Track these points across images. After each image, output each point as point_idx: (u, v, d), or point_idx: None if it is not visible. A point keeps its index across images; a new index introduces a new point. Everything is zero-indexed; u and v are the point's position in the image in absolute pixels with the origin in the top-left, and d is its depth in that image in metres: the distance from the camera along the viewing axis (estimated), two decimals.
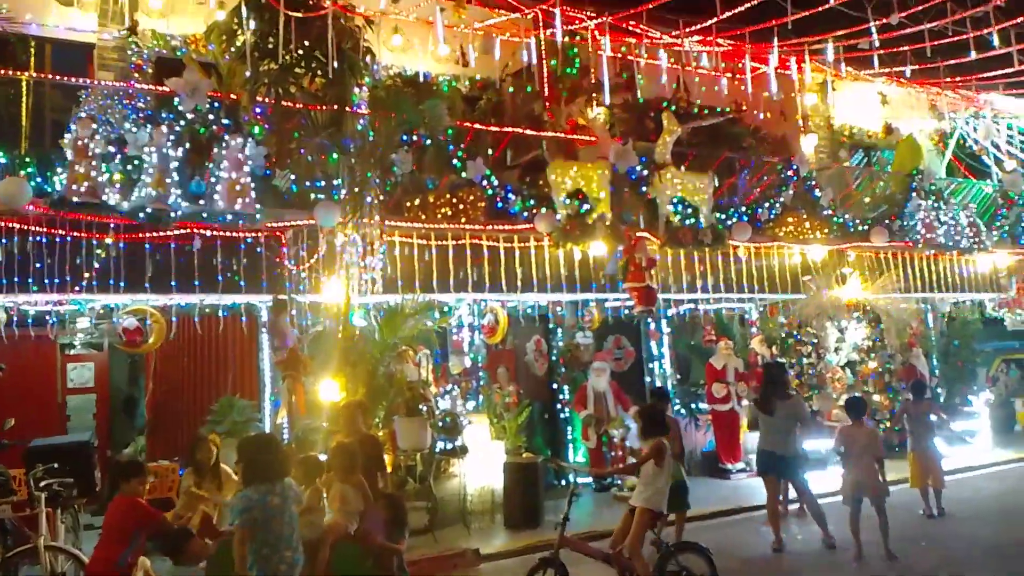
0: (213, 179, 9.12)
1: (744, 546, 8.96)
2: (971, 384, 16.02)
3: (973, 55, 10.05)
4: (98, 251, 8.74)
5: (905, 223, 14.52)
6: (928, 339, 15.90)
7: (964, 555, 8.01)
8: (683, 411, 13.25)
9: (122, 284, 8.83)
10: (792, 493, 9.66)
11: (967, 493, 11.20)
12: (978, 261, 15.90)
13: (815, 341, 13.19)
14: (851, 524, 8.20)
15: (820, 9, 9.45)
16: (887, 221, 14.33)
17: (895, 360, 13.93)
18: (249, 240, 9.42)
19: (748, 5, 9.65)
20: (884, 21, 9.54)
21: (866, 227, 14.06)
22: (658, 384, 13.28)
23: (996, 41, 9.57)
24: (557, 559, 6.60)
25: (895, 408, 13.45)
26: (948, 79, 13.70)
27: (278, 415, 9.53)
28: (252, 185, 9.20)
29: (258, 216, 9.17)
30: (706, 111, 13.04)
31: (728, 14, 9.86)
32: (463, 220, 10.50)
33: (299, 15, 8.50)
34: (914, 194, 14.69)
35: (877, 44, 10.59)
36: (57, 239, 8.59)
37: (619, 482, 11.59)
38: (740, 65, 12.46)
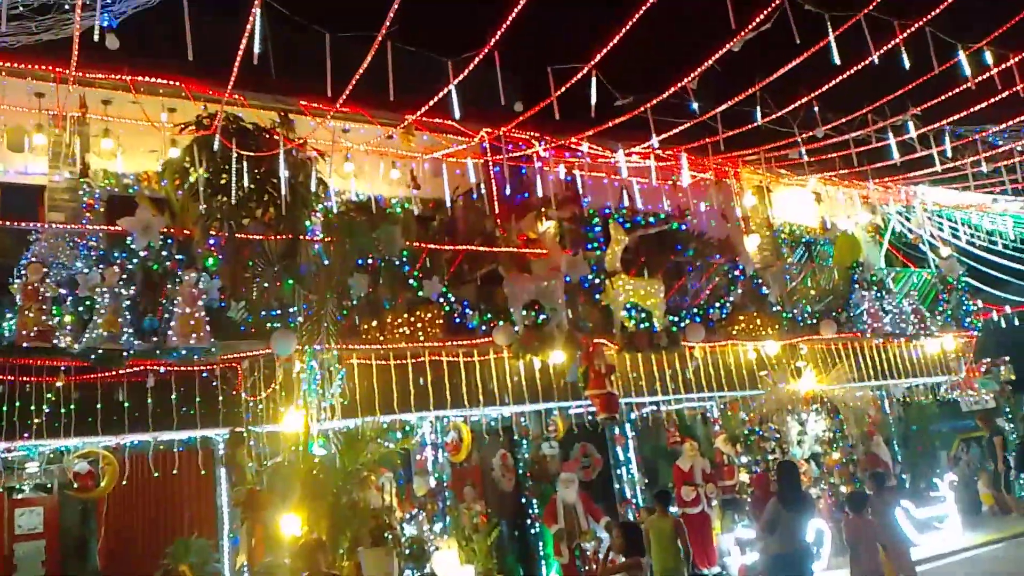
0: (167, 315, 9.10)
1: None
2: (934, 467, 16.17)
3: (896, 159, 10.71)
4: (48, 395, 8.55)
5: (851, 314, 15.00)
6: (887, 426, 16.10)
7: None
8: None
9: (72, 428, 8.61)
10: None
11: None
12: (926, 345, 16.37)
13: (777, 436, 13.28)
14: None
15: (748, 128, 10.04)
16: (834, 313, 14.77)
17: (857, 449, 14.06)
18: (204, 374, 9.31)
19: (681, 128, 10.22)
20: (810, 134, 10.17)
21: (815, 320, 14.46)
22: (627, 492, 13.15)
23: (917, 145, 10.26)
24: None
25: None
26: (876, 180, 14.51)
27: (237, 558, 9.17)
28: (206, 318, 9.19)
29: (213, 349, 9.13)
30: (651, 219, 13.51)
31: (664, 136, 10.39)
32: (421, 338, 10.54)
33: (251, 154, 8.72)
34: (856, 285, 15.23)
35: (805, 156, 11.26)
36: (6, 385, 8.39)
37: None
38: (679, 177, 13.06)
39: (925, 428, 16.84)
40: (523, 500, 12.68)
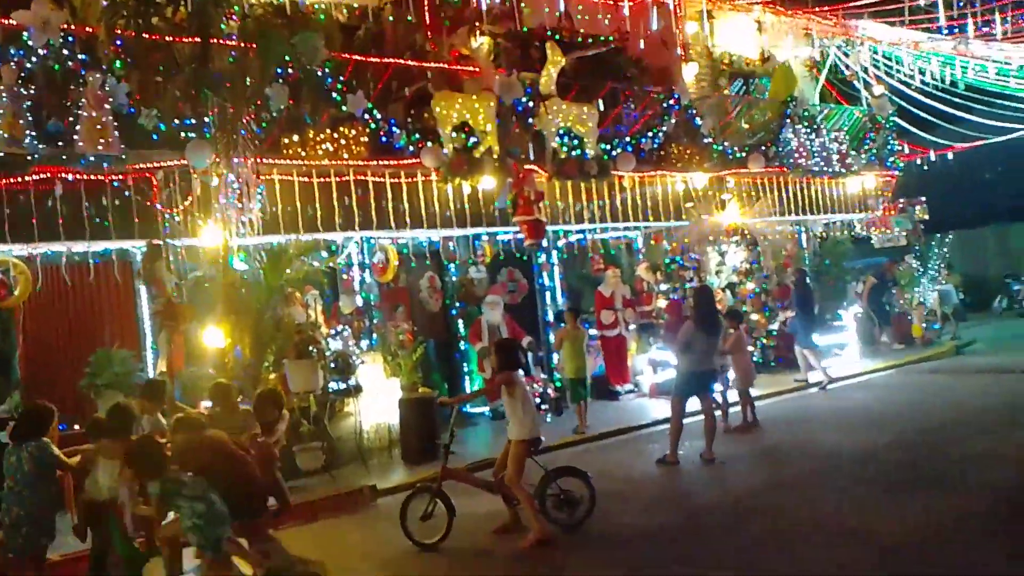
0: (72, 119, 8.58)
1: (631, 465, 9.40)
2: (842, 300, 17.06)
3: None
4: None
5: (780, 149, 15.13)
6: (802, 259, 16.77)
7: (831, 463, 8.61)
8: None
9: None
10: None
11: (835, 403, 12.07)
12: (847, 183, 16.80)
13: (697, 266, 13.71)
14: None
15: None
16: (763, 148, 14.89)
17: (771, 281, 14.68)
18: (116, 183, 8.96)
19: None
20: None
21: (744, 154, 14.57)
22: (551, 316, 13.55)
23: None
24: (438, 488, 6.84)
25: (771, 325, 14.25)
26: (818, 8, 14.22)
27: (158, 367, 9.25)
28: (115, 124, 8.72)
29: (124, 157, 8.74)
30: (590, 40, 13.04)
31: None
32: (346, 156, 10.25)
33: None
34: (788, 120, 15.28)
35: None
36: None
37: None
38: None
39: (838, 263, 17.60)
40: (449, 321, 13.00)
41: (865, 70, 17.76)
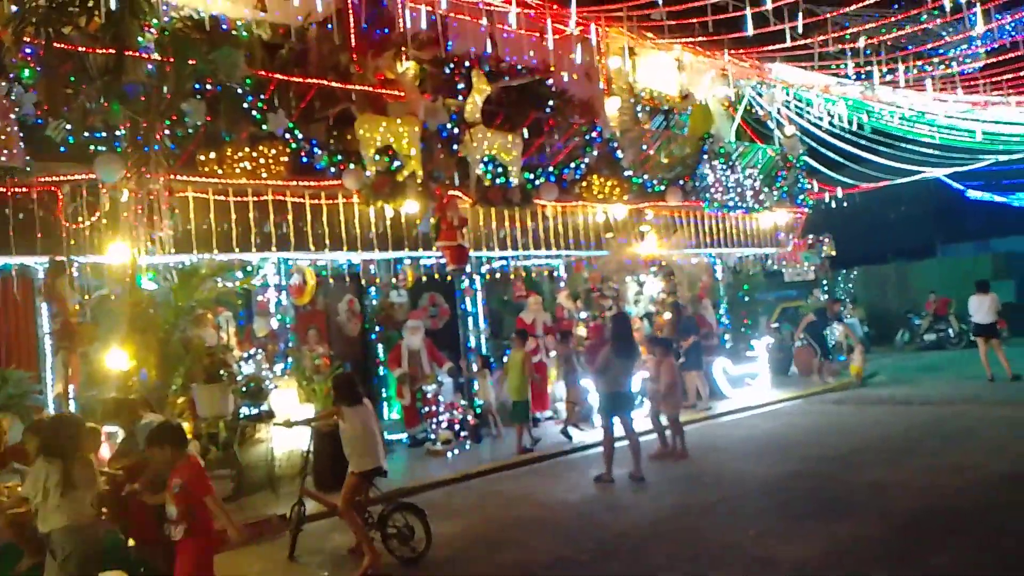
0: None
1: (548, 491, 9.43)
2: (754, 331, 17.60)
3: (751, 31, 10.92)
4: None
5: (697, 183, 15.61)
6: (716, 291, 17.26)
7: (738, 490, 8.83)
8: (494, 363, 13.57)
9: None
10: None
11: (745, 431, 12.38)
12: (760, 219, 17.42)
13: (616, 295, 13.94)
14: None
15: None
16: (681, 182, 15.33)
17: (686, 311, 15.01)
18: (19, 196, 8.57)
19: None
20: None
21: (663, 187, 14.97)
22: (472, 341, 13.53)
23: (771, 18, 10.46)
24: (299, 506, 7.58)
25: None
26: (732, 51, 14.80)
27: (55, 389, 8.83)
28: (20, 134, 8.36)
29: (28, 169, 8.38)
30: (519, 69, 13.22)
31: None
32: (264, 175, 10.08)
33: None
34: (705, 156, 15.79)
35: (666, 16, 11.27)
36: None
37: (432, 437, 11.78)
38: (545, 28, 12.76)
39: (751, 295, 18.18)
40: (368, 345, 12.83)
41: (778, 111, 18.52)
